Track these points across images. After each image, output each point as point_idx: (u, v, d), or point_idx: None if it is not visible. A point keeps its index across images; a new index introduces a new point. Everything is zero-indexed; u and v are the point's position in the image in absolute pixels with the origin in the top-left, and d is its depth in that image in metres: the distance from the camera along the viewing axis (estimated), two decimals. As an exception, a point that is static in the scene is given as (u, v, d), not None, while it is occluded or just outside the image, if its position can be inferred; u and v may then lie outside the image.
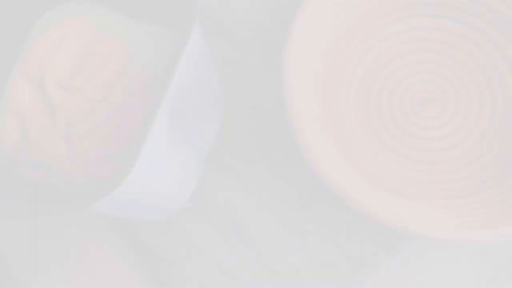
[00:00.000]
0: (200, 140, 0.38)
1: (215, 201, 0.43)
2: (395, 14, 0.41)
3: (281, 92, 0.37)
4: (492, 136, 0.40)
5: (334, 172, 0.34)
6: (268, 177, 0.43)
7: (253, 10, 0.46)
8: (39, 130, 0.32)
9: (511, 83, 0.40)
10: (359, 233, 0.41)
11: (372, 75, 0.42)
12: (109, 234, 0.44)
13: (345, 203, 0.34)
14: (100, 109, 0.32)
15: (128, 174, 0.25)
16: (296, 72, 0.36)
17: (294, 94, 0.35)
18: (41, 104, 0.32)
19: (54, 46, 0.33)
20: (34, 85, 0.33)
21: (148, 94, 0.32)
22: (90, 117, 0.32)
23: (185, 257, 0.42)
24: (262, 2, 0.44)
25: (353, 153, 0.40)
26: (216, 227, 0.42)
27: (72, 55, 0.33)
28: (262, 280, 0.41)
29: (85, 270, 0.39)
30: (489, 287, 0.39)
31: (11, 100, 0.33)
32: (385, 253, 0.40)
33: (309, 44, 0.38)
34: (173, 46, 0.33)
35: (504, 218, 0.34)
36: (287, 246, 0.42)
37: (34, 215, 0.24)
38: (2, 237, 0.35)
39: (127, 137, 0.32)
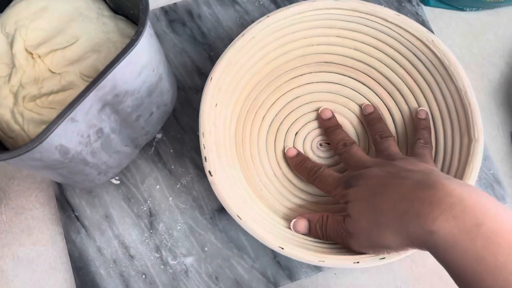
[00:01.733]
0: (142, 135, 0.42)
1: (140, 186, 0.47)
2: (310, 68, 0.48)
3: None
4: None
5: (225, 191, 0.39)
6: (193, 182, 0.48)
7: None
8: (-4, 79, 0.36)
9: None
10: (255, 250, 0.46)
11: (281, 118, 0.48)
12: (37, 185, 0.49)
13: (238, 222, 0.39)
14: (53, 80, 0.36)
15: (42, 148, 0.29)
16: (209, 110, 0.41)
17: (205, 129, 0.40)
18: (5, 58, 0.36)
19: (35, 14, 0.37)
20: (6, 40, 0.37)
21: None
22: (41, 84, 0.36)
23: (96, 224, 0.46)
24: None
25: (257, 180, 0.45)
26: (133, 209, 0.47)
27: (47, 27, 0.37)
28: (154, 270, 0.46)
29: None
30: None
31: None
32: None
33: (225, 87, 0.43)
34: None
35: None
36: (187, 248, 0.46)
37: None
38: None
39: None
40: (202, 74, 0.51)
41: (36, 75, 0.36)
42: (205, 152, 0.39)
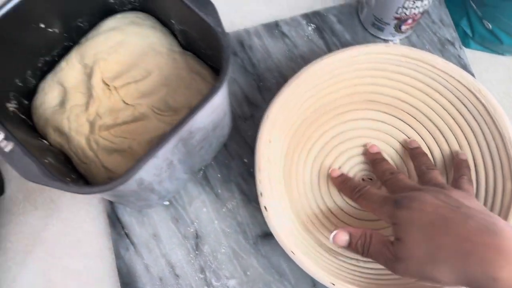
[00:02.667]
0: (199, 163, 0.45)
1: (187, 208, 0.50)
2: (355, 105, 0.50)
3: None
4: None
5: (279, 226, 0.41)
6: (238, 207, 0.50)
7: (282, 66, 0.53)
8: (74, 107, 0.39)
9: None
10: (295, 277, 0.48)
11: (326, 152, 0.50)
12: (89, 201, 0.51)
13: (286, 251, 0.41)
14: (127, 111, 0.38)
15: (128, 182, 0.31)
16: (264, 146, 0.43)
17: (261, 164, 0.42)
18: (82, 87, 0.39)
19: (112, 47, 0.39)
20: (84, 70, 0.39)
21: (168, 117, 0.39)
22: (116, 115, 0.38)
23: (144, 242, 0.49)
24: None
25: (302, 213, 0.47)
26: (180, 229, 0.49)
27: (123, 60, 0.39)
28: (197, 288, 0.48)
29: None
30: None
31: (63, 73, 0.39)
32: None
33: (279, 124, 0.45)
34: (205, 87, 0.39)
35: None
36: (230, 271, 0.48)
37: (46, 184, 0.31)
38: None
39: (139, 143, 0.38)
40: (251, 104, 0.53)
41: (112, 105, 0.38)
42: (260, 187, 0.41)
